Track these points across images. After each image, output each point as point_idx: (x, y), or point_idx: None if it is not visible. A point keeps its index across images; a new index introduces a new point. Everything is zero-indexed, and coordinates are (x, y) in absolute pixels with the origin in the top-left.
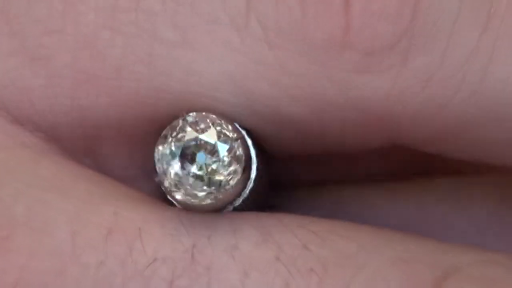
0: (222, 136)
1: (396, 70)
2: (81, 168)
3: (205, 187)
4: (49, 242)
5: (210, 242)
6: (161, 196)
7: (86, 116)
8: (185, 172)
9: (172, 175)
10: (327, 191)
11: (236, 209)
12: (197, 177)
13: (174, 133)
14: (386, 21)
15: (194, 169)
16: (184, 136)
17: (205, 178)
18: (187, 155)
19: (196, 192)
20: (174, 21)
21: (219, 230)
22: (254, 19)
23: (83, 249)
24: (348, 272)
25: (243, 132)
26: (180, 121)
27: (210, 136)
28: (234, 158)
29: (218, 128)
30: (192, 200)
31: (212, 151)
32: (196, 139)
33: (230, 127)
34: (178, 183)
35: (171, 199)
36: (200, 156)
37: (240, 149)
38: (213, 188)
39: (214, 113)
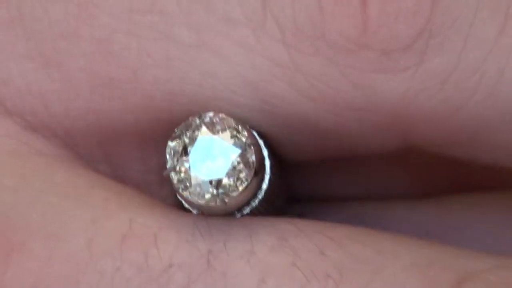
0: (236, 140)
1: (413, 71)
2: (97, 175)
3: (211, 189)
4: (65, 248)
5: (226, 248)
6: (177, 202)
7: (101, 120)
8: (195, 171)
9: (182, 173)
10: (348, 206)
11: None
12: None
13: (189, 131)
14: (403, 21)
15: (204, 169)
16: (198, 135)
17: (214, 180)
18: (199, 154)
19: (203, 192)
20: (189, 22)
21: (235, 235)
22: (270, 19)
23: (99, 256)
24: (364, 277)
25: (261, 142)
26: (197, 119)
27: (224, 139)
28: (245, 164)
29: (234, 132)
30: (199, 201)
31: (225, 153)
32: (210, 139)
33: (245, 132)
34: (187, 181)
35: (179, 197)
36: (212, 156)
37: (253, 156)
38: (221, 191)
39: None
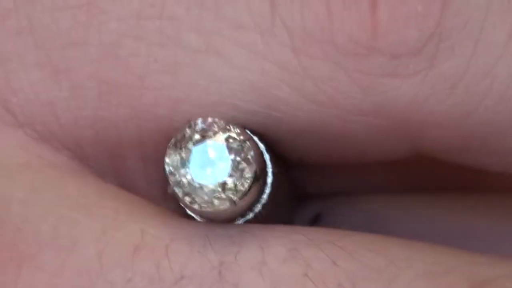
0: (230, 140)
1: (423, 75)
2: (107, 185)
3: (217, 194)
4: (76, 260)
5: (237, 259)
6: (186, 214)
7: (108, 129)
8: (198, 180)
9: (186, 186)
10: (360, 201)
11: (256, 217)
12: (226, 188)
13: (183, 143)
14: (413, 25)
15: (206, 176)
16: (192, 144)
17: (219, 184)
18: (197, 163)
19: (211, 199)
20: (198, 27)
21: (246, 246)
22: (279, 24)
23: (110, 267)
24: (378, 287)
25: (255, 138)
26: (187, 130)
27: (218, 141)
28: (245, 160)
29: (226, 132)
30: (208, 209)
31: (222, 155)
32: (204, 145)
33: (238, 130)
34: (192, 193)
35: (187, 209)
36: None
37: (251, 151)
38: (228, 193)
39: (228, 121)
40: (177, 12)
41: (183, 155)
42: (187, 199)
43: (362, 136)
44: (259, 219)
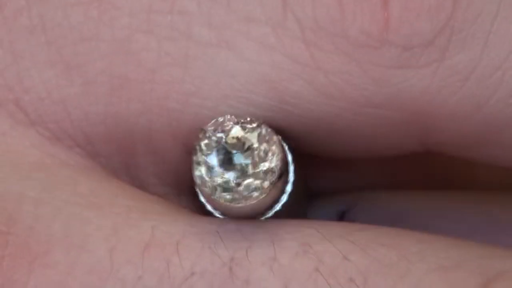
0: (246, 129)
1: (434, 67)
2: (120, 183)
3: (255, 184)
4: (87, 258)
5: (248, 255)
6: (197, 210)
7: (119, 125)
8: (228, 177)
9: (218, 184)
10: (382, 198)
11: (277, 215)
12: (242, 175)
13: (204, 151)
14: (425, 16)
15: (236, 171)
16: (214, 146)
17: (250, 172)
18: (224, 162)
19: (250, 193)
20: (209, 20)
21: (257, 241)
22: (291, 17)
23: (121, 265)
24: (389, 281)
25: (285, 145)
26: (202, 137)
27: (236, 134)
28: (268, 143)
29: (239, 125)
30: (247, 202)
31: (244, 146)
32: (224, 143)
33: (248, 118)
34: (236, 193)
35: (209, 206)
36: (237, 157)
37: (269, 130)
38: (262, 177)
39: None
40: (188, 6)
41: (208, 160)
42: (230, 197)
43: (373, 129)
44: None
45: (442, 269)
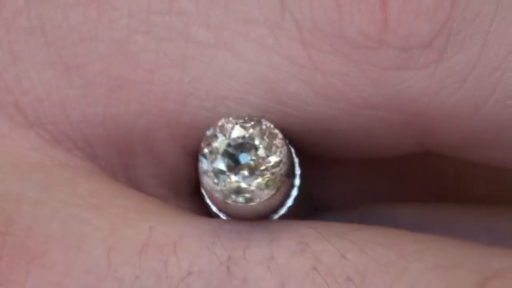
0: (247, 127)
1: (433, 68)
2: (119, 185)
3: (260, 179)
4: (85, 258)
5: (246, 254)
6: (197, 212)
7: (118, 127)
8: (238, 179)
9: (229, 188)
10: (387, 209)
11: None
12: (251, 175)
13: (209, 156)
14: (423, 17)
15: (244, 171)
16: (218, 152)
17: (258, 170)
18: (231, 165)
19: (261, 192)
20: (207, 21)
21: (255, 240)
22: (289, 18)
23: (118, 265)
24: (387, 280)
25: (292, 150)
26: (208, 146)
27: (237, 134)
28: (270, 137)
29: (238, 125)
30: (261, 197)
31: (248, 145)
32: (228, 147)
33: (246, 117)
34: (247, 192)
35: (214, 207)
36: (243, 157)
37: (269, 125)
38: (271, 172)
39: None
40: (186, 7)
41: (215, 163)
42: (242, 198)
43: (372, 130)
44: None
45: (439, 268)
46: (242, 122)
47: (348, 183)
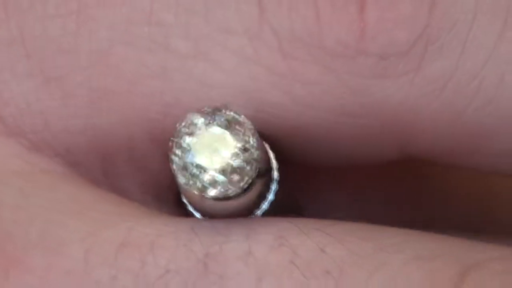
0: (209, 118)
1: (411, 76)
2: (99, 190)
3: (233, 167)
4: (63, 261)
5: (223, 250)
6: (186, 214)
7: (99, 136)
8: (209, 168)
9: (204, 182)
10: None
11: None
12: (224, 165)
13: (179, 155)
14: (401, 26)
15: (217, 162)
16: (187, 148)
17: (231, 157)
18: (203, 158)
19: (238, 181)
20: (187, 32)
21: (232, 236)
22: (267, 29)
23: (96, 266)
24: (365, 272)
25: (270, 154)
26: (177, 147)
27: (202, 128)
28: (237, 124)
29: (201, 117)
30: (239, 187)
31: (216, 136)
32: (195, 143)
33: (207, 108)
34: (220, 185)
35: (189, 206)
36: (213, 149)
37: (232, 114)
38: (242, 157)
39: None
40: (166, 18)
41: (188, 165)
42: (207, 189)
43: (353, 137)
44: None
45: (419, 259)
46: (204, 113)
47: (333, 190)
